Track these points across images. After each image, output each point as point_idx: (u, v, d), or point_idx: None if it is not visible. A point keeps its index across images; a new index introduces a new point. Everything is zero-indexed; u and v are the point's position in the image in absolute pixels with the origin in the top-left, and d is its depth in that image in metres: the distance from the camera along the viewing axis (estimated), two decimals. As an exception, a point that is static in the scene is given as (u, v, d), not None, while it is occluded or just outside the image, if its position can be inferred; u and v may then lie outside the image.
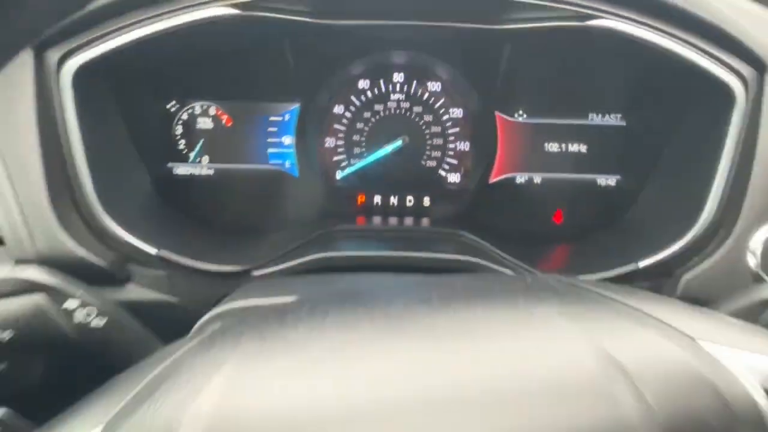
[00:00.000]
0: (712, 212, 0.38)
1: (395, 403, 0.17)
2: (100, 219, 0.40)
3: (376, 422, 0.17)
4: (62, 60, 0.36)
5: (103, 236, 0.41)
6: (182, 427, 0.17)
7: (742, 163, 0.38)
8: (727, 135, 0.37)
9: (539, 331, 0.21)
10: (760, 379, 0.19)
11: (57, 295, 0.33)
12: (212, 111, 0.46)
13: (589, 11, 0.38)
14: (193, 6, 0.37)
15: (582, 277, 0.36)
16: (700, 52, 0.37)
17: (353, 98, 0.46)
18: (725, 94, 0.37)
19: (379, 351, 0.20)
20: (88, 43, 0.35)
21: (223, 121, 0.45)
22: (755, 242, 0.36)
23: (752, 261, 0.36)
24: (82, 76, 0.38)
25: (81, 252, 0.37)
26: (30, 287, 0.34)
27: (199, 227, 0.45)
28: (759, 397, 0.19)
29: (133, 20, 0.36)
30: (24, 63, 0.34)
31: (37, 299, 0.33)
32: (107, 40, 0.36)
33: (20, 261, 0.33)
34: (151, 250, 0.40)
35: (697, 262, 0.38)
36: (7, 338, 0.31)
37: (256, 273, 0.39)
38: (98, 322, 0.33)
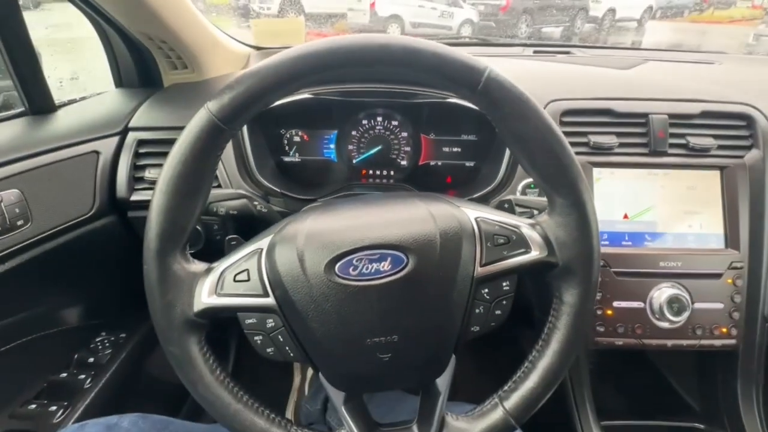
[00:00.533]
0: (501, 175, 0.65)
1: (365, 222, 0.36)
2: (257, 177, 0.65)
3: (358, 228, 0.35)
4: None
5: (257, 184, 0.65)
6: (298, 234, 0.36)
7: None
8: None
9: (407, 204, 0.39)
10: (473, 216, 0.38)
11: (251, 200, 0.55)
12: (299, 133, 0.74)
13: (445, 96, 0.66)
14: (295, 93, 0.63)
15: None
16: None
17: (360, 127, 0.73)
18: None
19: (360, 209, 0.38)
20: None
21: (304, 138, 0.74)
22: (520, 187, 0.65)
23: (517, 194, 0.65)
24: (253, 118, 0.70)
25: (249, 190, 0.63)
26: (242, 196, 0.54)
27: (293, 182, 0.72)
28: (472, 222, 0.37)
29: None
30: None
31: (244, 201, 0.54)
32: None
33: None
34: (277, 189, 0.65)
35: (495, 197, 0.65)
36: (233, 214, 0.54)
37: (319, 200, 0.67)
38: (264, 210, 0.56)
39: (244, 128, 0.66)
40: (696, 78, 0.80)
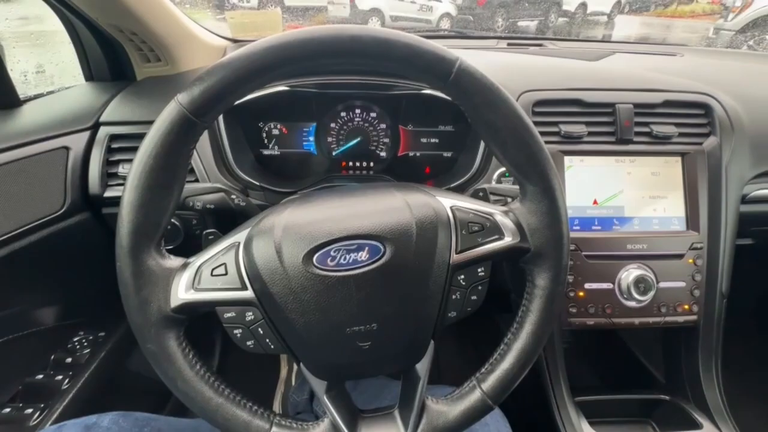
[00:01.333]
0: (477, 164, 0.65)
1: (342, 213, 0.36)
2: (235, 170, 0.64)
3: (335, 219, 0.35)
4: None
5: (236, 177, 0.64)
6: (276, 226, 0.35)
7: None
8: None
9: (384, 194, 0.39)
10: (448, 205, 0.38)
11: (228, 193, 0.53)
12: (278, 126, 0.72)
13: (421, 87, 0.66)
14: (272, 86, 0.64)
15: None
16: None
17: (338, 120, 0.73)
18: None
19: (337, 200, 0.38)
20: None
21: (283, 131, 0.73)
22: (495, 176, 0.66)
23: (493, 182, 0.65)
24: (228, 111, 0.62)
25: (228, 183, 0.61)
26: (219, 190, 0.53)
27: (273, 175, 0.71)
28: (448, 210, 0.38)
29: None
30: None
31: (221, 194, 0.53)
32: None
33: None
34: (256, 182, 0.64)
35: (472, 186, 0.63)
36: (211, 208, 0.52)
37: (298, 192, 0.66)
38: (243, 203, 0.54)
39: (221, 121, 0.65)
40: (659, 69, 0.82)
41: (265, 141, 0.75)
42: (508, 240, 0.39)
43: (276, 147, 0.75)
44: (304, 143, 0.75)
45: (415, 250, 0.36)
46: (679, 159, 0.70)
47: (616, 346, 0.86)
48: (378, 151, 0.76)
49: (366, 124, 0.75)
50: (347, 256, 0.35)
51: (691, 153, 0.69)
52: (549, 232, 0.39)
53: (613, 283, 0.66)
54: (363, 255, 0.35)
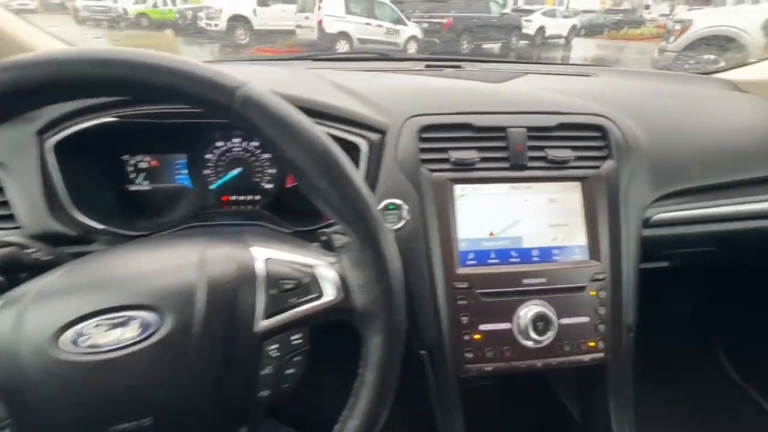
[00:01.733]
0: None
1: (112, 276, 0.32)
2: (71, 212, 0.54)
3: (99, 285, 0.30)
4: (48, 137, 0.53)
5: (73, 221, 0.54)
6: (26, 295, 0.30)
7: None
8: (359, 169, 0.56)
9: (182, 247, 0.35)
10: (263, 257, 0.34)
11: (24, 246, 0.43)
12: (146, 159, 0.65)
13: None
14: (100, 115, 0.54)
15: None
16: (339, 129, 0.58)
17: (215, 150, 0.66)
18: (357, 149, 0.58)
19: (119, 258, 0.34)
20: (60, 131, 0.53)
21: (152, 164, 0.66)
22: (381, 206, 0.59)
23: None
24: (61, 144, 0.53)
25: (63, 230, 0.52)
26: (6, 243, 0.43)
27: (143, 213, 0.63)
28: (258, 264, 0.33)
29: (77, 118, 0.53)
30: (30, 137, 0.52)
31: (11, 249, 0.42)
32: (70, 127, 0.53)
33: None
34: (100, 226, 0.54)
35: None
36: None
37: (163, 233, 0.56)
38: (47, 257, 0.44)
39: (51, 156, 0.54)
40: (566, 91, 0.80)
41: (132, 175, 0.67)
42: (328, 299, 0.34)
43: (146, 182, 0.67)
44: (177, 176, 0.68)
45: (205, 319, 0.31)
46: (578, 184, 0.66)
47: (535, 383, 0.80)
48: (263, 183, 0.69)
49: (247, 154, 0.68)
50: (108, 334, 0.29)
51: (590, 177, 0.65)
52: (376, 287, 0.34)
53: (511, 323, 0.60)
54: (130, 331, 0.30)
